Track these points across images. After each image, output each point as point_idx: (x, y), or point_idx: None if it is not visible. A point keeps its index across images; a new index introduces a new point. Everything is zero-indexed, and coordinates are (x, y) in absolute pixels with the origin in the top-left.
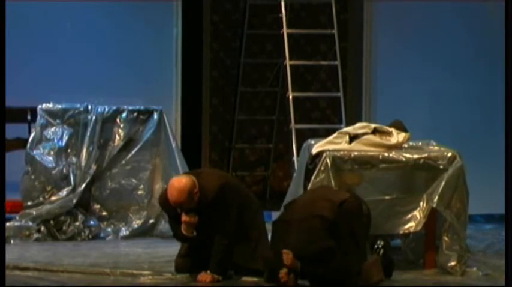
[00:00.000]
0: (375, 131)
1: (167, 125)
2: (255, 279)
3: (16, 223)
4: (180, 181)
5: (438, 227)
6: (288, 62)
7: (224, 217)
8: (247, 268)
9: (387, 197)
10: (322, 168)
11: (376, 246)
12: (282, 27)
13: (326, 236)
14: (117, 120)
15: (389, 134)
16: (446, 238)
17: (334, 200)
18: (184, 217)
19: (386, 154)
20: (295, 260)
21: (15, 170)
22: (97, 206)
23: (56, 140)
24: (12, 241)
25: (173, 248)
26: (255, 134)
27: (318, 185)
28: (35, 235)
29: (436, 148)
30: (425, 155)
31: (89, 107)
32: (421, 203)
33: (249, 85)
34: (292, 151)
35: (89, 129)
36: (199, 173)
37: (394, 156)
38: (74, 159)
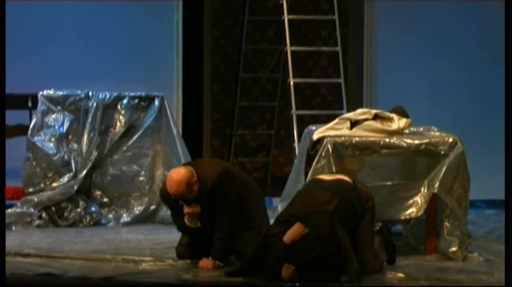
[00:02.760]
0: (376, 117)
1: (168, 112)
2: None
3: (17, 210)
4: (178, 173)
5: (439, 213)
6: (289, 48)
7: (224, 204)
8: (247, 253)
9: (388, 183)
10: (323, 154)
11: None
12: (283, 13)
13: (326, 242)
14: (118, 106)
15: (391, 120)
16: (447, 224)
17: (326, 210)
18: (186, 209)
19: (387, 140)
20: (294, 273)
21: (16, 156)
22: (98, 193)
23: (57, 127)
24: (13, 228)
25: (174, 235)
26: (256, 120)
27: (310, 181)
28: (37, 222)
29: (437, 133)
30: (426, 140)
31: (90, 93)
32: (422, 189)
33: (250, 71)
34: (293, 137)
35: (90, 116)
36: (197, 162)
37: (395, 142)
38: (75, 145)
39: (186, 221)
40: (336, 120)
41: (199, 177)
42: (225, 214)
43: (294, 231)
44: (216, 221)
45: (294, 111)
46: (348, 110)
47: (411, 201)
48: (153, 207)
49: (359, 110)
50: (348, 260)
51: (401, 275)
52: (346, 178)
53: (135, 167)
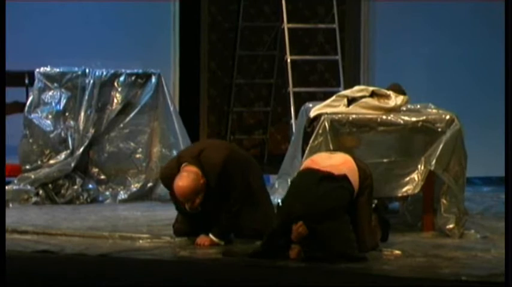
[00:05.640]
0: (373, 94)
1: (165, 89)
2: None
3: (14, 187)
4: (186, 181)
5: (436, 190)
6: (286, 25)
7: (232, 187)
8: (248, 228)
9: (385, 160)
10: (320, 131)
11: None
12: None
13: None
14: (115, 83)
15: (388, 97)
16: (444, 201)
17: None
18: (187, 207)
19: (384, 117)
20: (300, 252)
21: (13, 134)
22: (95, 170)
23: (53, 104)
24: (10, 205)
25: (171, 212)
26: (253, 97)
27: (302, 173)
28: (34, 199)
29: (434, 110)
30: (424, 118)
31: (87, 70)
32: (419, 166)
33: (247, 48)
34: (290, 114)
35: (86, 93)
36: (201, 151)
37: (392, 119)
38: (72, 123)
39: (187, 208)
40: (333, 97)
41: (204, 171)
42: (233, 195)
43: (296, 230)
44: (223, 201)
45: (290, 88)
46: (345, 87)
47: (408, 178)
48: (150, 184)
49: (356, 87)
50: (346, 243)
51: (398, 252)
52: (339, 164)
53: (132, 144)
